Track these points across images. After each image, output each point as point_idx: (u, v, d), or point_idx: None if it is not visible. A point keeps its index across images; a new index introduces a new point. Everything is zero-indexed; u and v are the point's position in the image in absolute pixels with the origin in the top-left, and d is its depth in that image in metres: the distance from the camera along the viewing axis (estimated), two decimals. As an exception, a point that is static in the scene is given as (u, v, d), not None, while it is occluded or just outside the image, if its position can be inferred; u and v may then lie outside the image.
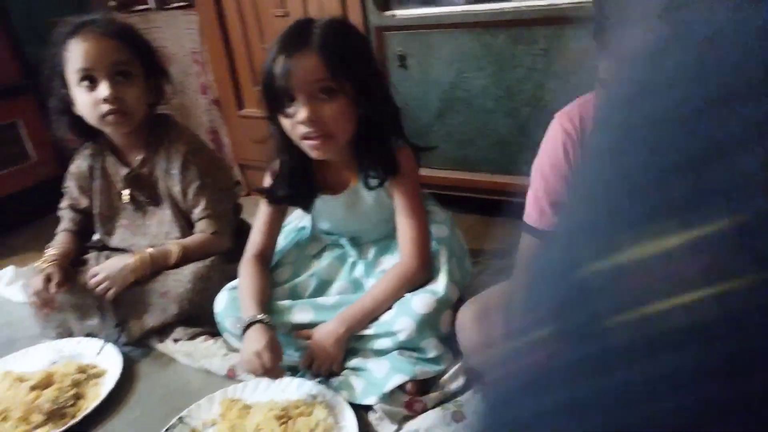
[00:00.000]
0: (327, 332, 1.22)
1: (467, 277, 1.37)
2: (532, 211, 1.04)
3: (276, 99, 1.16)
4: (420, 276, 1.25)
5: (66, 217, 1.61)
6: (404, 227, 1.27)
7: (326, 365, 1.22)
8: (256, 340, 1.15)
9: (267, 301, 1.27)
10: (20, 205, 2.22)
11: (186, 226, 1.53)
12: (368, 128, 1.22)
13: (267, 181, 1.35)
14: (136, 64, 1.40)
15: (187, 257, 1.45)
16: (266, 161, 1.35)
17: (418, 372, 1.18)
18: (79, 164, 1.56)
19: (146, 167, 1.51)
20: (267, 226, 1.36)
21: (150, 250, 1.44)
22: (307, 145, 1.19)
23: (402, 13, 1.68)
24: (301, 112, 1.14)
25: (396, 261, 1.30)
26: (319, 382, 1.22)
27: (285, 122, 1.18)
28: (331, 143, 1.19)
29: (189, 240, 1.49)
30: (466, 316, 1.09)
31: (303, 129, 1.16)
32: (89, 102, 1.38)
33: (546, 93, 1.56)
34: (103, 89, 1.35)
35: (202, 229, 1.50)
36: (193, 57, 2.18)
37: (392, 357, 1.20)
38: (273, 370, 1.14)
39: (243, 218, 1.74)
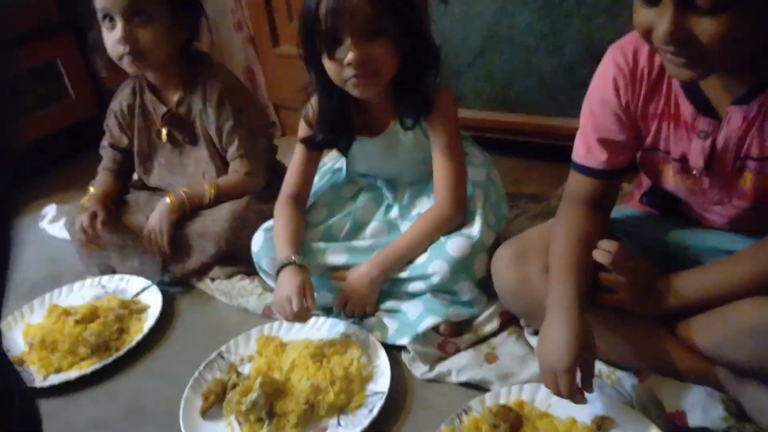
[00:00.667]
0: (361, 274, 1.22)
1: (503, 221, 1.35)
2: (580, 148, 1.01)
3: (321, 42, 1.13)
4: (455, 220, 1.24)
5: (107, 156, 1.62)
6: (440, 169, 1.25)
7: (360, 306, 1.23)
8: (287, 283, 1.16)
9: (301, 243, 1.28)
10: (61, 144, 2.24)
11: (222, 165, 1.53)
12: (407, 67, 1.19)
13: (302, 127, 1.34)
14: (155, 2, 1.34)
15: (220, 197, 1.46)
16: (302, 102, 1.32)
17: (452, 314, 1.18)
18: (120, 102, 1.56)
19: (183, 106, 1.50)
20: (303, 167, 1.35)
21: (184, 189, 1.45)
22: (351, 85, 1.16)
23: (443, -57, 1.60)
24: (351, 54, 1.11)
25: (431, 204, 1.29)
26: (353, 322, 1.23)
27: (329, 64, 1.15)
28: (376, 83, 1.17)
29: (222, 179, 1.49)
30: (502, 258, 1.07)
31: (350, 71, 1.13)
32: (109, 42, 1.37)
33: (594, 30, 1.48)
34: (117, 30, 1.33)
35: (236, 169, 1.49)
36: (227, -7, 2.13)
37: (426, 299, 1.20)
38: (302, 314, 1.15)
39: (278, 159, 1.73)
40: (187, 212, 1.44)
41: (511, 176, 1.70)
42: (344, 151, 1.36)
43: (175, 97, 1.50)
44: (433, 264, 1.18)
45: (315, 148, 1.33)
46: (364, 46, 1.11)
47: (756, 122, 0.85)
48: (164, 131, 1.53)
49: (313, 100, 1.28)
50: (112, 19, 1.34)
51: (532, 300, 1.02)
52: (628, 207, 1.16)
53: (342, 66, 1.13)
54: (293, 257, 1.20)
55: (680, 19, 0.73)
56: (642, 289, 0.95)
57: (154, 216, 1.44)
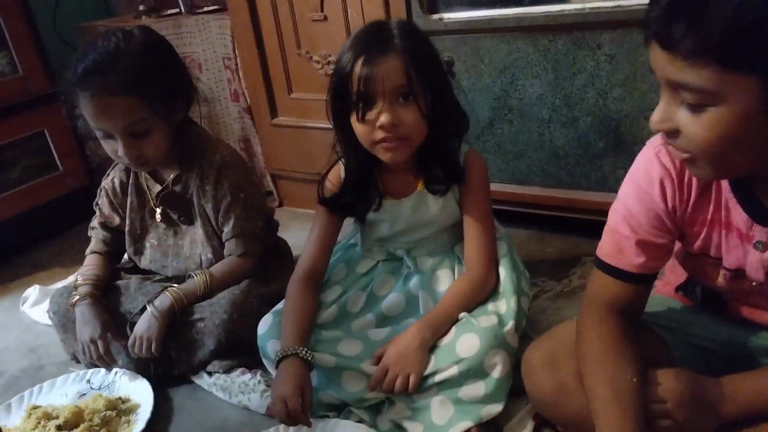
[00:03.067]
0: (408, 339, 1.11)
1: (526, 298, 1.27)
2: (609, 246, 0.90)
3: (355, 103, 1.12)
4: (489, 282, 1.22)
5: (96, 238, 1.52)
6: (473, 234, 1.24)
7: (404, 375, 1.08)
8: (286, 380, 1.06)
9: (311, 330, 1.18)
10: (47, 218, 2.15)
11: (219, 246, 1.44)
12: (436, 133, 1.18)
13: (316, 217, 1.28)
14: (151, 116, 1.28)
15: (214, 286, 1.37)
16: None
17: (484, 414, 1.07)
18: (112, 179, 1.49)
19: (180, 184, 1.42)
20: (321, 241, 1.27)
21: (172, 288, 1.35)
22: (381, 149, 1.15)
23: (450, 16, 1.55)
24: (383, 117, 1.10)
25: (452, 278, 1.26)
26: (389, 403, 1.12)
27: (359, 127, 1.14)
28: (406, 147, 1.15)
29: (215, 268, 1.41)
30: (535, 360, 0.97)
31: (381, 134, 1.12)
32: (110, 151, 1.32)
33: (610, 102, 1.43)
34: (121, 149, 1.28)
35: (230, 250, 1.41)
36: (225, 63, 2.08)
37: (454, 399, 1.08)
38: (298, 417, 1.04)
39: (279, 236, 1.65)
40: (177, 314, 1.33)
41: (525, 249, 1.62)
42: (363, 217, 1.29)
43: (171, 175, 1.42)
44: (462, 339, 1.09)
45: (339, 211, 1.28)
46: (395, 109, 1.11)
47: None
48: (158, 210, 1.45)
49: (332, 173, 1.27)
50: (107, 135, 1.29)
51: (571, 410, 0.91)
52: (656, 295, 1.06)
53: (373, 128, 1.12)
54: (297, 348, 1.10)
55: (668, 112, 0.72)
56: (693, 405, 0.85)
57: (141, 324, 1.31)
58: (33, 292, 1.77)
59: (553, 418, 1.02)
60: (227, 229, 1.41)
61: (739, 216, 0.82)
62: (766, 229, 0.80)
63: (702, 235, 0.86)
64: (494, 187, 1.66)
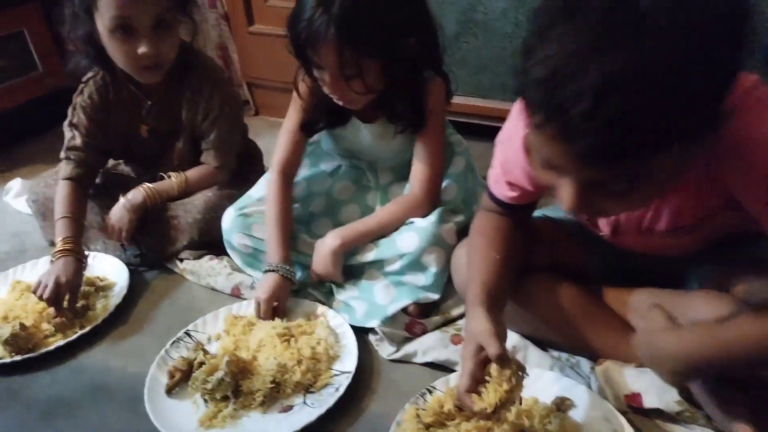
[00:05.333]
0: (324, 246, 1.24)
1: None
2: (491, 173, 1.02)
3: (304, 59, 1.14)
4: (424, 209, 1.26)
5: (72, 162, 1.42)
6: (420, 163, 1.28)
7: (325, 277, 1.26)
8: (267, 289, 1.20)
9: (290, 232, 1.29)
10: (28, 117, 2.19)
11: (194, 160, 1.50)
12: (399, 81, 1.19)
13: (295, 108, 1.32)
14: (172, 8, 1.28)
15: (187, 189, 1.45)
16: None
17: (422, 297, 1.19)
18: (90, 96, 1.43)
19: (169, 97, 1.44)
20: (296, 146, 1.33)
21: (146, 186, 1.42)
22: (335, 100, 1.19)
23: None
24: (326, 86, 1.14)
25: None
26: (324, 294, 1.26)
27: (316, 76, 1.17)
28: (360, 101, 1.18)
29: (191, 172, 1.47)
30: (459, 258, 1.10)
31: (331, 95, 1.17)
32: (125, 52, 1.27)
33: (567, 18, 1.49)
34: (144, 45, 1.25)
35: (208, 161, 1.48)
36: (201, -32, 2.09)
37: (396, 282, 1.21)
38: (266, 318, 1.20)
39: (251, 139, 1.72)
40: (149, 209, 1.41)
41: (485, 160, 1.70)
42: (333, 128, 1.35)
43: (158, 89, 1.43)
44: (402, 236, 1.21)
45: (315, 132, 1.34)
46: (341, 83, 1.12)
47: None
48: (145, 126, 1.47)
49: (301, 85, 1.28)
50: (129, 30, 1.25)
51: None
52: None
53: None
54: (279, 266, 1.22)
55: (586, 198, 0.72)
56: None
57: (114, 212, 1.40)
58: (15, 184, 1.85)
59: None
60: (207, 140, 1.46)
61: None
62: None
63: None
64: (457, 100, 1.73)
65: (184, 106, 1.44)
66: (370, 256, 1.23)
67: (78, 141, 1.43)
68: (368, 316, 1.20)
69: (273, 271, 1.22)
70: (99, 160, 1.49)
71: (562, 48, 0.61)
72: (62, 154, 1.44)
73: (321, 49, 1.08)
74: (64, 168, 1.43)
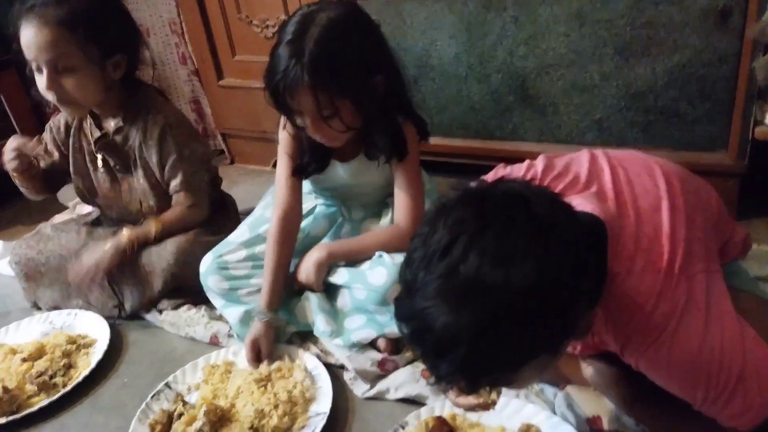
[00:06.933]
0: (310, 257, 1.33)
1: None
2: None
3: (285, 109, 1.21)
4: (408, 241, 1.30)
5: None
6: (403, 199, 1.33)
7: (306, 286, 1.35)
8: (255, 336, 1.27)
9: (285, 285, 1.34)
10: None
11: (162, 195, 1.55)
12: (374, 117, 1.26)
13: (283, 158, 1.37)
14: (78, 54, 1.34)
15: (166, 231, 1.49)
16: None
17: (388, 332, 1.25)
18: (59, 119, 1.57)
19: (120, 135, 1.51)
20: (289, 189, 1.36)
21: (127, 232, 1.46)
22: (318, 140, 1.25)
23: (374, -19, 1.68)
24: (308, 129, 1.21)
25: (380, 225, 1.40)
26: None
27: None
28: (340, 139, 1.24)
29: (167, 215, 1.52)
30: None
31: (314, 136, 1.23)
32: (40, 89, 1.39)
33: (516, 59, 1.58)
34: (42, 81, 1.35)
35: (179, 201, 1.52)
36: (171, 28, 2.17)
37: (368, 313, 1.27)
38: (251, 364, 1.27)
39: (223, 189, 1.77)
40: (128, 255, 1.46)
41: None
42: (317, 173, 1.40)
43: (112, 124, 1.51)
44: (375, 270, 1.26)
45: (307, 176, 1.39)
46: (320, 124, 1.18)
47: None
48: (99, 156, 1.54)
49: (283, 134, 1.35)
50: (39, 70, 1.35)
51: None
52: None
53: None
54: (269, 316, 1.28)
55: None
56: None
57: (90, 255, 1.45)
58: (-3, 247, 1.89)
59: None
60: (175, 183, 1.51)
61: None
62: None
63: None
64: (421, 139, 1.82)
65: (134, 146, 1.50)
66: (340, 280, 1.31)
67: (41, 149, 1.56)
68: (334, 334, 1.27)
69: (259, 318, 1.28)
70: (52, 171, 1.60)
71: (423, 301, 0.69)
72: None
73: (298, 96, 1.14)
74: None
